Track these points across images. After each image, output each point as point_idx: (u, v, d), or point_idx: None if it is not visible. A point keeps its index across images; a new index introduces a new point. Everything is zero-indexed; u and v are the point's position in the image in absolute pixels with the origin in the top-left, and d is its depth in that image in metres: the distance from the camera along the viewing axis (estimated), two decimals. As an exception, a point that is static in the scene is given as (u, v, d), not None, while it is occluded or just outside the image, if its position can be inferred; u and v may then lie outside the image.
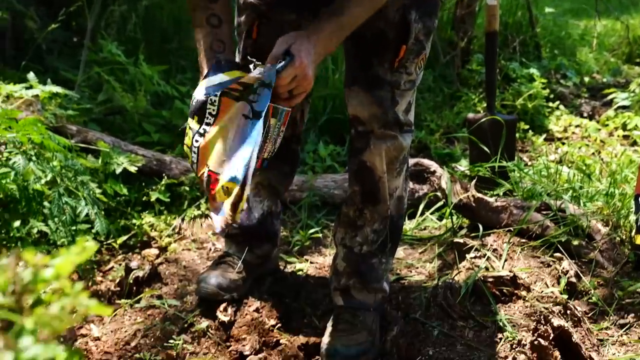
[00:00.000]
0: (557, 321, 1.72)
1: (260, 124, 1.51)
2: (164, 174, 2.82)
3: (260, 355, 1.93)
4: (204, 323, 2.04)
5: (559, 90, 4.31)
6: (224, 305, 2.07)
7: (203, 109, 1.54)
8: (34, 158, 2.15)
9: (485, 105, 3.08)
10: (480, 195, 2.45)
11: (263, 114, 1.51)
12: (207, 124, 1.53)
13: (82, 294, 0.62)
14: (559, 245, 2.25)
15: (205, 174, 1.54)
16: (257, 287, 2.21)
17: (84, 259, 0.72)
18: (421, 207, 2.69)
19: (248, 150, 1.49)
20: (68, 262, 0.67)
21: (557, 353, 1.58)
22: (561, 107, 4.07)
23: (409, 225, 2.67)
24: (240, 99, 1.53)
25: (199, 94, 1.56)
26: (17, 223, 2.20)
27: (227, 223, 1.49)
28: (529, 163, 3.25)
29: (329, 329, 1.95)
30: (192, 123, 1.57)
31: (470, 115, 2.90)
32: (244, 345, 1.95)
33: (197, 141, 1.53)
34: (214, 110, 1.53)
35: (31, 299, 0.64)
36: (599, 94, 4.51)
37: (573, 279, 2.12)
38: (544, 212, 2.38)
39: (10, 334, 0.58)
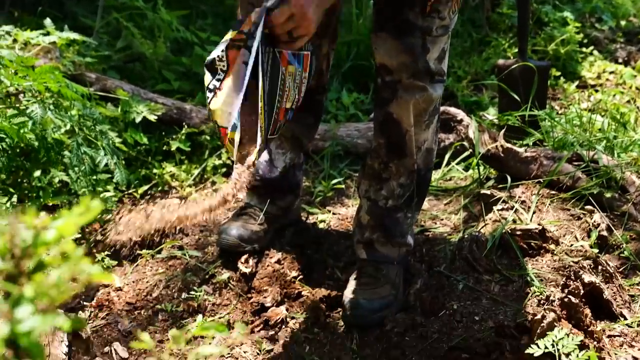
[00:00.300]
0: (587, 277, 1.67)
1: (251, 62, 1.45)
2: (184, 123, 2.77)
3: (281, 307, 1.91)
4: (225, 274, 2.02)
5: (593, 34, 4.12)
6: (245, 256, 2.05)
7: (214, 66, 1.49)
8: (51, 107, 2.12)
9: (515, 50, 2.95)
10: (509, 145, 2.37)
11: (253, 50, 1.45)
12: (218, 80, 1.48)
13: (83, 260, 0.57)
14: (590, 198, 2.18)
15: (217, 131, 1.49)
16: (279, 238, 2.19)
17: (89, 220, 0.67)
18: (447, 157, 2.61)
19: (241, 93, 1.44)
20: (71, 223, 0.62)
21: (587, 310, 1.53)
22: (595, 52, 3.90)
23: (434, 175, 2.59)
24: (240, 48, 1.47)
25: (212, 52, 1.51)
26: (37, 173, 2.19)
27: (242, 180, 1.44)
28: (560, 111, 3.13)
29: (351, 282, 1.92)
30: (206, 81, 1.52)
31: (500, 61, 2.78)
32: (265, 297, 1.93)
33: (208, 97, 1.48)
34: (224, 66, 1.48)
35: (32, 264, 0.60)
36: (635, 39, 4.31)
37: (604, 233, 2.05)
38: (576, 163, 2.29)
39: (7, 303, 0.54)
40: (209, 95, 1.49)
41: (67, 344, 1.60)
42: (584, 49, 3.81)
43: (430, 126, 1.85)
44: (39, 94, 2.11)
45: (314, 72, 1.65)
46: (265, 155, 2.10)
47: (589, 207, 2.17)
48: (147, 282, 2.04)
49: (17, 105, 2.16)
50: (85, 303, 1.89)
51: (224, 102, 1.46)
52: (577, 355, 1.33)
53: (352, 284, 1.90)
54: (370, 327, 1.82)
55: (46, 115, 2.05)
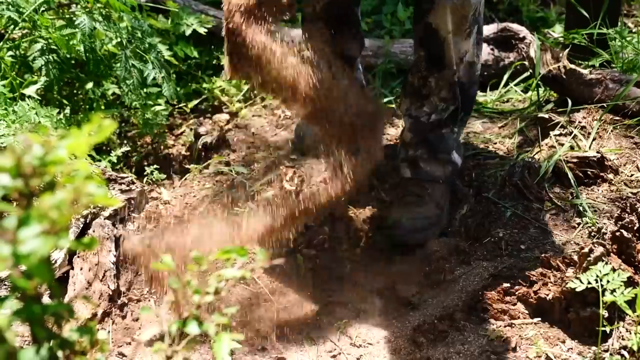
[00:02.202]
0: (644, 210, 1.58)
1: None
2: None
3: (324, 227, 1.91)
4: (270, 192, 2.03)
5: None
6: (290, 174, 2.05)
7: None
8: (100, 19, 2.10)
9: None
10: (572, 65, 2.22)
11: None
12: None
13: (88, 182, 0.55)
14: (657, 125, 2.05)
15: None
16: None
17: (101, 139, 0.65)
18: (505, 77, 2.48)
19: None
20: (82, 142, 0.60)
21: (640, 246, 1.46)
22: (680, -36, 3.57)
23: (490, 96, 2.49)
24: None
25: None
26: (89, 85, 2.21)
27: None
28: (634, 29, 2.91)
29: (396, 201, 1.90)
30: None
31: (571, -27, 2.58)
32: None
33: None
34: None
35: (41, 182, 0.59)
36: None
37: (669, 163, 1.94)
38: (645, 87, 2.14)
39: (11, 223, 0.53)
40: None
41: (114, 253, 1.66)
42: (667, -39, 3.49)
43: (471, 36, 1.78)
44: (87, 5, 2.10)
45: None
46: None
47: (655, 135, 2.04)
48: (194, 196, 2.07)
49: (67, 16, 2.17)
50: (134, 216, 1.94)
51: None
52: (623, 292, 1.28)
53: (396, 204, 1.90)
54: (412, 247, 1.82)
55: (93, 26, 2.04)
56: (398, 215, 1.84)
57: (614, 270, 1.36)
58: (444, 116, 1.86)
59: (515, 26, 2.54)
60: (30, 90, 2.04)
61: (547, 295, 1.51)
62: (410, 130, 1.90)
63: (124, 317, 1.62)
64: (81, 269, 1.64)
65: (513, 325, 1.55)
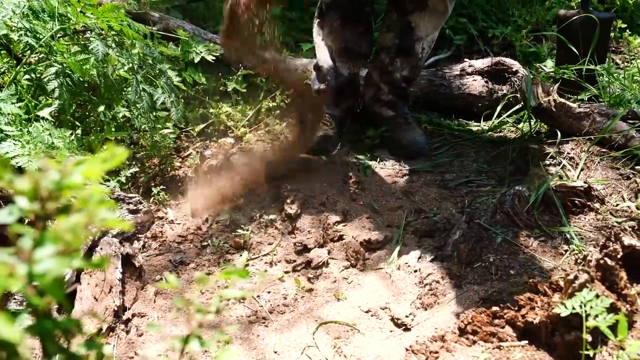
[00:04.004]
0: (628, 239, 1.66)
1: None
2: (241, 65, 2.83)
3: (323, 249, 2.00)
4: (271, 215, 2.11)
5: (668, -17, 3.90)
6: (291, 198, 2.13)
7: None
8: (113, 45, 2.20)
9: (579, 0, 2.84)
10: (562, 99, 2.33)
11: None
12: None
13: (101, 206, 0.62)
14: (641, 158, 2.14)
15: None
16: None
17: (113, 166, 0.72)
18: (499, 108, 2.59)
19: None
20: (96, 168, 0.65)
21: (623, 274, 1.54)
22: (668, 3, 3.70)
23: (484, 126, 2.59)
24: None
25: None
26: (101, 107, 2.30)
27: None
28: (622, 65, 3.03)
29: (393, 134, 2.50)
30: None
31: (562, 11, 2.70)
32: (308, 238, 2.02)
33: None
34: None
35: (56, 206, 0.64)
36: None
37: (652, 194, 2.03)
38: (630, 121, 2.24)
39: (27, 243, 0.58)
40: None
41: (120, 270, 1.73)
42: (655, 0, 3.62)
43: (432, 42, 2.45)
44: (102, 32, 2.20)
45: None
46: (330, 64, 2.50)
47: (639, 167, 2.13)
48: (198, 217, 2.15)
49: (80, 42, 2.27)
50: (139, 235, 2.02)
51: None
52: (605, 318, 1.35)
53: (395, 133, 2.49)
54: (425, 155, 2.45)
55: (107, 52, 2.14)
56: (409, 135, 2.47)
57: (597, 296, 1.44)
58: (411, 76, 2.50)
59: (508, 60, 2.65)
60: (45, 112, 2.12)
61: (534, 319, 1.59)
62: (386, 84, 2.51)
63: (127, 332, 1.68)
64: (88, 284, 1.70)
65: (501, 347, 1.62)
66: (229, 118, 2.73)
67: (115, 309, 1.65)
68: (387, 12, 2.46)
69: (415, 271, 1.90)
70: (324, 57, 2.50)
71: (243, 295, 0.81)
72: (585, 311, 1.42)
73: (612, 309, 1.47)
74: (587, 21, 2.52)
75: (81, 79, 2.20)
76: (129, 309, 1.72)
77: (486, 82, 2.67)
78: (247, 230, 2.05)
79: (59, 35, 2.24)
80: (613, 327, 1.38)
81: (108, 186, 2.04)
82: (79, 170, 0.63)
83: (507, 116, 2.57)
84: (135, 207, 2.03)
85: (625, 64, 3.06)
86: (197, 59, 2.64)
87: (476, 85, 2.67)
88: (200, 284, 0.78)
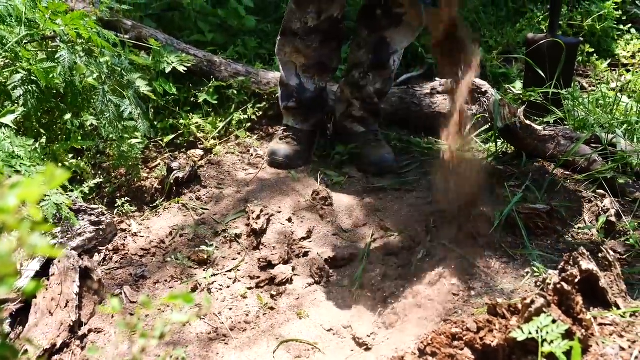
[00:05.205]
0: (585, 264, 1.68)
1: None
2: (212, 76, 2.82)
3: (287, 266, 1.99)
4: (236, 229, 2.10)
5: (633, 11, 3.98)
6: (256, 213, 2.12)
7: None
8: (81, 54, 2.18)
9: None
10: (528, 122, 2.36)
11: None
12: None
13: (34, 230, 0.60)
14: (603, 182, 2.18)
15: None
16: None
17: (53, 188, 0.70)
18: (467, 128, 2.61)
19: None
20: (34, 190, 0.62)
21: (579, 298, 1.56)
22: (633, 30, 3.77)
23: (452, 146, 2.61)
24: None
25: None
26: (68, 116, 2.27)
27: None
28: (588, 89, 3.08)
29: (362, 150, 2.50)
30: None
31: (530, 35, 2.74)
32: (273, 255, 2.01)
33: None
34: None
35: None
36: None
37: (613, 218, 2.06)
38: (594, 145, 2.28)
39: None
40: None
41: (78, 284, 1.70)
42: (621, 27, 3.70)
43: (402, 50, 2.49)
44: (70, 40, 2.18)
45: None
46: (295, 81, 2.53)
47: (601, 191, 2.17)
48: (162, 230, 2.13)
49: (48, 49, 2.24)
50: (100, 248, 2.00)
51: None
52: (560, 344, 1.37)
53: (364, 150, 2.50)
54: (393, 172, 2.46)
55: (74, 61, 2.11)
56: (378, 152, 2.49)
57: (554, 321, 1.46)
58: (384, 88, 2.55)
59: (478, 81, 2.67)
60: (7, 120, 2.08)
61: (492, 342, 1.60)
62: (358, 100, 2.55)
63: (83, 348, 1.64)
64: (44, 298, 1.66)
65: (460, 368, 1.63)
66: (199, 129, 2.72)
67: (71, 324, 1.62)
68: (357, 31, 2.49)
69: (379, 290, 1.91)
70: (287, 74, 2.53)
71: (189, 320, 0.80)
72: (542, 336, 1.44)
73: (568, 334, 1.49)
74: (554, 45, 2.56)
75: (44, 87, 2.17)
76: (85, 324, 1.70)
77: (456, 101, 2.69)
78: (212, 246, 2.04)
79: (26, 41, 2.21)
80: (568, 353, 1.40)
81: (70, 197, 2.00)
82: (14, 193, 0.61)
83: (476, 136, 2.60)
84: (97, 219, 2.00)
85: (592, 87, 3.12)
86: (168, 69, 2.61)
87: (446, 104, 2.70)
88: (144, 308, 0.77)
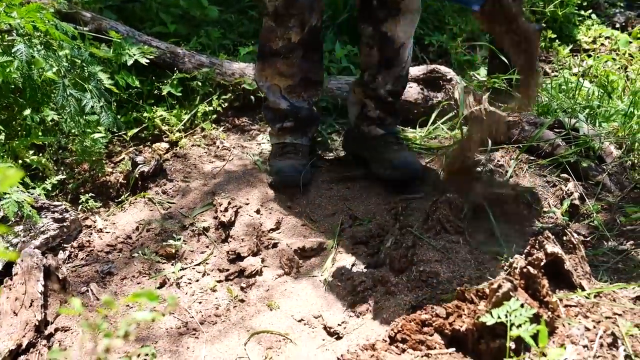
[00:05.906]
0: (550, 247, 1.71)
1: None
2: (176, 68, 2.78)
3: (257, 257, 1.98)
4: (204, 222, 2.08)
5: (594, -3, 4.07)
6: (224, 205, 2.11)
7: None
8: (39, 47, 2.12)
9: (512, 11, 2.90)
10: (492, 108, 2.38)
11: None
12: None
13: None
14: (567, 166, 2.21)
15: None
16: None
17: (4, 189, 0.69)
18: (434, 115, 2.63)
19: None
20: None
21: (545, 281, 1.58)
22: (593, 16, 3.84)
23: (419, 133, 2.63)
24: None
25: None
26: (27, 111, 2.21)
27: None
28: (551, 75, 3.13)
29: (382, 154, 2.31)
30: None
31: (494, 22, 2.75)
32: (242, 247, 2.00)
33: None
34: None
35: None
36: (636, 4, 4.24)
37: (576, 202, 2.10)
38: (557, 130, 2.32)
39: None
40: None
41: (42, 283, 1.67)
42: (582, 12, 3.76)
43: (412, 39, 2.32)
44: (27, 33, 2.12)
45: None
46: (285, 103, 2.37)
47: (564, 175, 2.20)
48: (128, 225, 2.10)
49: (4, 43, 2.17)
50: (65, 245, 1.96)
51: None
52: (528, 328, 1.39)
53: (388, 153, 2.31)
54: (419, 179, 2.29)
55: (32, 55, 2.06)
56: (401, 156, 2.30)
57: (522, 306, 1.48)
58: (396, 88, 2.36)
59: (443, 68, 2.69)
60: (-37, 116, 2.03)
61: (461, 326, 1.61)
62: (371, 99, 2.37)
63: (49, 348, 1.61)
64: (7, 298, 1.63)
65: (430, 355, 1.64)
66: (164, 122, 2.68)
67: (37, 323, 1.59)
68: (361, 30, 2.29)
69: (349, 279, 1.91)
70: (274, 98, 2.37)
71: (153, 318, 0.79)
72: (510, 320, 1.46)
73: (535, 318, 1.51)
74: (517, 32, 2.57)
75: (2, 82, 2.11)
76: (51, 323, 1.66)
77: (422, 89, 2.70)
78: (179, 240, 2.01)
79: (-20, 35, 2.15)
80: (536, 335, 1.42)
81: (32, 194, 1.96)
82: (-33, 193, 0.60)
83: (442, 123, 2.61)
84: (60, 216, 1.96)
85: (554, 73, 3.16)
86: (130, 62, 2.57)
87: (412, 92, 2.71)
88: (107, 307, 0.76)
